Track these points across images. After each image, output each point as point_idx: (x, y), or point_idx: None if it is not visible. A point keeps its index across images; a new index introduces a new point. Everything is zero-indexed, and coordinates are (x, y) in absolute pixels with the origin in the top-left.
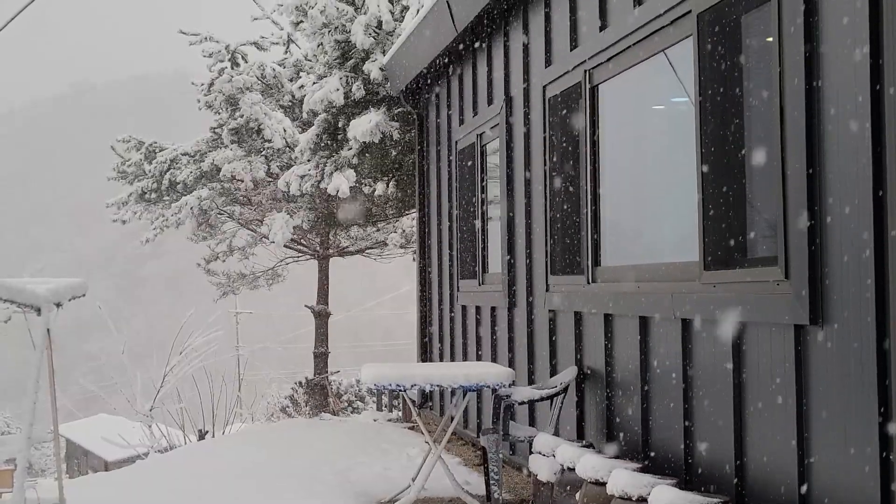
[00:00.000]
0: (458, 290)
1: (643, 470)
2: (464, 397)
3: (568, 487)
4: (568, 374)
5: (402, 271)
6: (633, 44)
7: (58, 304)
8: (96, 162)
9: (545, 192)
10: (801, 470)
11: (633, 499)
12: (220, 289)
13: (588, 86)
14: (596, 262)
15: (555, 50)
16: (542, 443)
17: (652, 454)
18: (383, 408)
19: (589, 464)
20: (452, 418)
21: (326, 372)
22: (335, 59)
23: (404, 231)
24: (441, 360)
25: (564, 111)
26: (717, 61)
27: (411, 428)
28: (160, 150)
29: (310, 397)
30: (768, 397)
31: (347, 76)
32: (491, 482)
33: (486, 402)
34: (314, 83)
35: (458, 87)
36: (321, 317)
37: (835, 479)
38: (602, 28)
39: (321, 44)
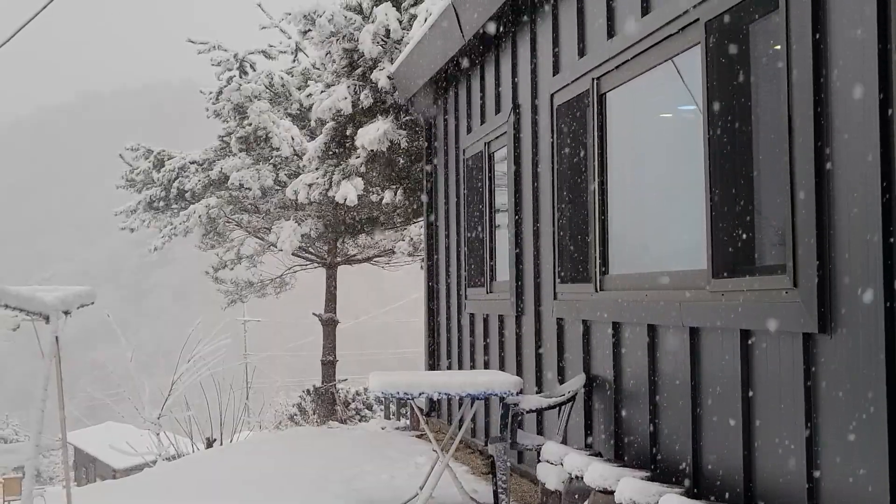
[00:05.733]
0: (465, 299)
1: (651, 478)
2: (471, 405)
3: (576, 496)
4: (576, 382)
5: (409, 279)
6: (641, 52)
7: (66, 312)
8: (103, 171)
9: (553, 200)
10: (809, 478)
11: None
12: (227, 297)
13: (596, 94)
14: (604, 271)
15: (562, 58)
16: (550, 451)
17: (660, 462)
18: (391, 416)
19: (597, 472)
20: (460, 426)
21: (334, 380)
22: (343, 68)
23: (412, 239)
24: (449, 368)
25: (572, 119)
26: (725, 69)
27: (419, 436)
28: (168, 159)
29: (317, 405)
30: (777, 406)
31: (355, 84)
32: (499, 491)
33: (494, 411)
34: (322, 91)
35: (465, 95)
36: (329, 325)
37: (844, 488)
38: (610, 36)
39: (329, 52)
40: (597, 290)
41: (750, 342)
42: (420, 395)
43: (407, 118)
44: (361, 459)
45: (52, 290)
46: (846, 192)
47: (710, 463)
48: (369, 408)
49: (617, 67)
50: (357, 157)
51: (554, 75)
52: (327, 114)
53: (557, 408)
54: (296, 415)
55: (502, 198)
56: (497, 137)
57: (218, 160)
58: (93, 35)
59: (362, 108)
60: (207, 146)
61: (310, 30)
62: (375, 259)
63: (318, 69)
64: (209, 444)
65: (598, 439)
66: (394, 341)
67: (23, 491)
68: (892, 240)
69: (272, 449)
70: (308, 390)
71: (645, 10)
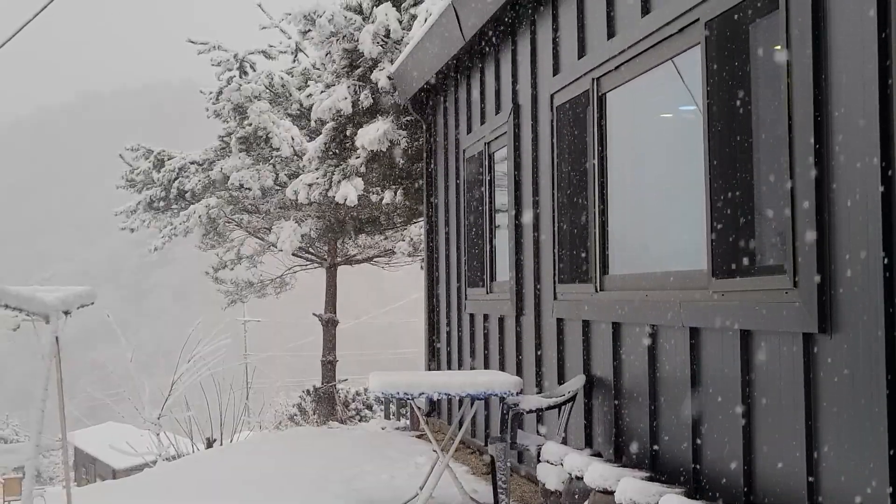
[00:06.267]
0: (465, 299)
1: (651, 479)
2: (471, 406)
3: (576, 496)
4: (576, 382)
5: (409, 279)
6: (642, 52)
7: (66, 313)
8: (103, 171)
9: (553, 200)
10: (809, 479)
11: None
12: (228, 297)
13: (596, 94)
14: (604, 271)
15: (563, 58)
16: (550, 451)
17: (660, 462)
18: (391, 416)
19: (597, 472)
20: (460, 426)
21: (334, 380)
22: (343, 68)
23: (412, 239)
24: (449, 368)
25: (572, 119)
26: (725, 69)
27: (419, 436)
28: (168, 159)
29: (317, 405)
30: (776, 406)
31: (355, 85)
32: (499, 491)
33: (494, 411)
34: (322, 92)
35: (465, 95)
36: (329, 325)
37: (844, 487)
38: (610, 36)
39: (329, 52)
40: (597, 291)
41: (750, 342)
42: (420, 395)
43: (407, 118)
44: (361, 459)
45: (53, 290)
46: (846, 192)
47: (710, 463)
48: (369, 408)
49: (617, 68)
50: (357, 158)
51: (554, 75)
52: (327, 114)
53: (557, 408)
54: (296, 415)
55: (502, 198)
56: (497, 137)
57: (218, 160)
58: (93, 35)
59: (362, 108)
60: (207, 146)
61: (310, 30)
62: (375, 259)
63: (318, 69)
64: (209, 444)
65: (598, 439)
66: (394, 342)
67: (23, 491)
68: (892, 239)
69: (272, 449)
70: (308, 390)
71: (645, 11)
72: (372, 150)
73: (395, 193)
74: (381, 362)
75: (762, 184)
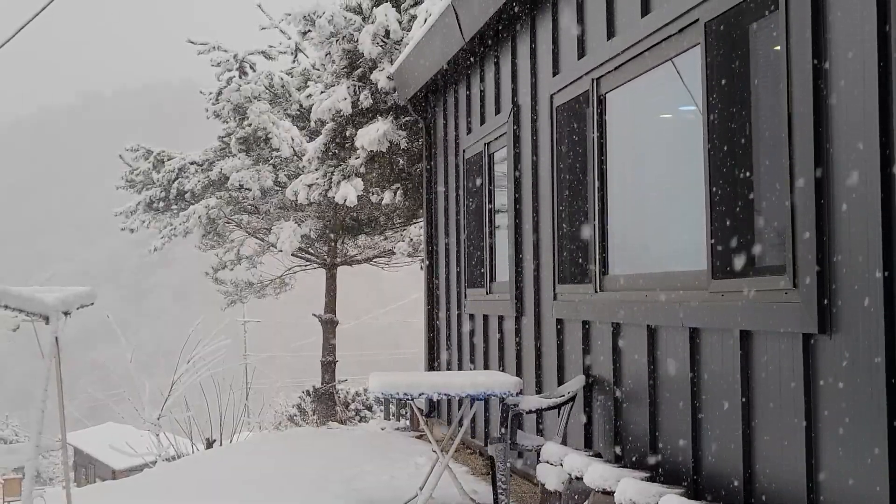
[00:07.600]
0: (465, 299)
1: (651, 479)
2: (471, 406)
3: (576, 497)
4: (576, 382)
5: (409, 280)
6: (641, 52)
7: (66, 313)
8: (103, 171)
9: (553, 201)
10: (809, 480)
11: None
12: (227, 297)
13: (596, 94)
14: (604, 271)
15: (562, 58)
16: (549, 452)
17: (660, 463)
18: (391, 416)
19: (597, 473)
20: (460, 427)
21: (334, 380)
22: (343, 69)
23: (412, 240)
24: (448, 368)
25: (572, 120)
26: (725, 70)
27: (419, 437)
28: (168, 159)
29: (317, 406)
30: (776, 406)
31: (355, 85)
32: (498, 491)
33: (494, 411)
34: (322, 92)
35: (465, 95)
36: (329, 325)
37: (844, 489)
38: (610, 36)
39: (329, 53)
40: (596, 291)
41: (750, 343)
42: (420, 395)
43: (407, 119)
44: (361, 460)
45: (53, 290)
46: (846, 192)
47: (709, 463)
48: (369, 408)
49: (617, 68)
50: (357, 158)
51: (554, 76)
52: (327, 114)
53: (557, 408)
54: (296, 415)
55: (502, 198)
56: (497, 138)
57: (218, 161)
58: (93, 35)
59: (362, 108)
60: (207, 147)
61: (310, 30)
62: (375, 259)
63: (318, 70)
64: (209, 444)
65: (598, 440)
66: (394, 342)
67: (23, 491)
68: (891, 240)
69: (272, 449)
70: (308, 391)
71: (645, 11)
72: (372, 151)
73: (395, 194)
74: (381, 363)
75: (762, 184)
